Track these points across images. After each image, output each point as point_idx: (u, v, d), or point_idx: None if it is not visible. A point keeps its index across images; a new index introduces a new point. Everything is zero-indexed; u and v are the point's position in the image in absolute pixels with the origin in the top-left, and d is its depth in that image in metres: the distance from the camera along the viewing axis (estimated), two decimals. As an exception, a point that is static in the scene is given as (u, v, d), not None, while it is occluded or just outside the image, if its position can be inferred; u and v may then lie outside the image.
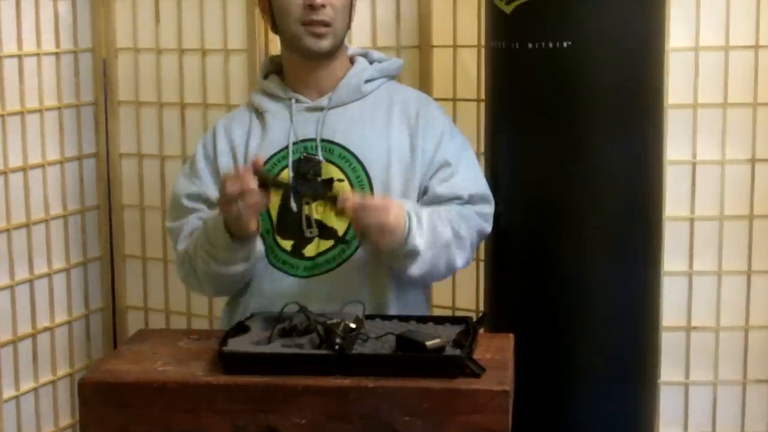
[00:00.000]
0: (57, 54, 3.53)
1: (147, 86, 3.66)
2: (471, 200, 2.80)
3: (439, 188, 2.78)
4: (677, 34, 3.24)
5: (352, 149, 2.77)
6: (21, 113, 3.39)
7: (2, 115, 3.31)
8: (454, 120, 3.40)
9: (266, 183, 2.56)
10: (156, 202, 3.70)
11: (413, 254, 2.65)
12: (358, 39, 3.41)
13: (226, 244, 2.66)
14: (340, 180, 2.75)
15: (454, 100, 3.47)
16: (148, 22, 3.63)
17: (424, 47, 3.50)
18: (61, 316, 3.62)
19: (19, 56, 3.37)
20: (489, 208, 2.85)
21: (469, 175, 2.82)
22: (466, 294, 3.52)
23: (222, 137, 2.87)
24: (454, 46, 3.47)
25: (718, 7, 3.25)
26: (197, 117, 3.59)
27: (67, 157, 3.60)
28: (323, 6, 2.73)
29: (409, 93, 2.94)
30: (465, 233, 2.76)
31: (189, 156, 3.49)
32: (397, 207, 2.61)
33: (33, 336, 3.50)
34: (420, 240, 2.63)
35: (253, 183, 2.54)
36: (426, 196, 2.79)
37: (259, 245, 2.73)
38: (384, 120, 2.82)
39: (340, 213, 2.58)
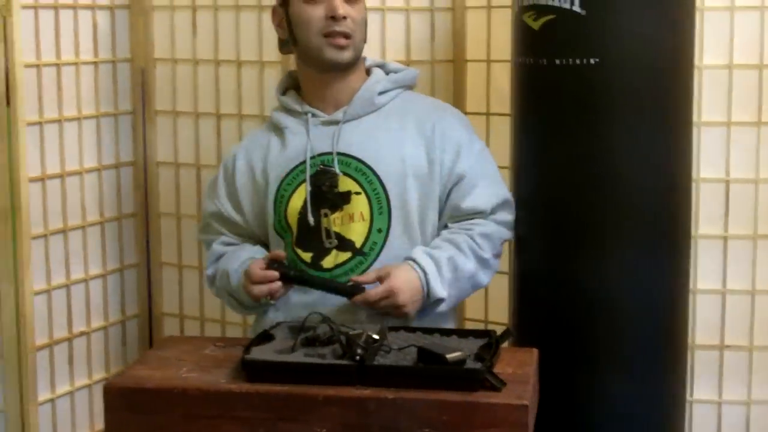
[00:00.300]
0: (95, 63, 3.58)
1: (184, 96, 3.71)
2: (493, 211, 2.84)
3: (461, 204, 2.82)
4: (710, 51, 3.25)
5: (368, 162, 2.80)
6: (59, 121, 3.44)
7: (40, 123, 3.36)
8: (487, 134, 3.44)
9: (287, 278, 2.72)
10: (192, 211, 3.74)
11: (438, 303, 2.76)
12: (391, 53, 3.44)
13: (251, 302, 2.82)
14: (357, 193, 2.79)
15: (488, 114, 3.49)
16: (185, 34, 3.67)
17: (458, 62, 3.52)
18: (97, 321, 3.67)
19: (57, 65, 3.42)
20: (510, 215, 2.88)
21: (489, 184, 2.85)
22: (498, 308, 3.53)
23: (241, 158, 2.94)
24: (488, 61, 3.50)
25: (753, 21, 3.26)
26: (232, 127, 3.63)
27: (105, 165, 3.65)
28: (344, 18, 2.77)
29: (424, 102, 2.97)
30: (488, 254, 2.82)
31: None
32: (403, 281, 2.70)
33: (69, 340, 3.54)
34: (441, 288, 2.74)
35: (277, 285, 2.71)
36: (447, 210, 2.84)
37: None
38: (398, 131, 2.85)
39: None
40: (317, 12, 2.77)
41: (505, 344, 2.59)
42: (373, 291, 2.68)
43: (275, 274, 2.69)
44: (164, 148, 3.77)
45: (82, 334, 3.60)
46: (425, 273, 2.71)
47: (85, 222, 3.58)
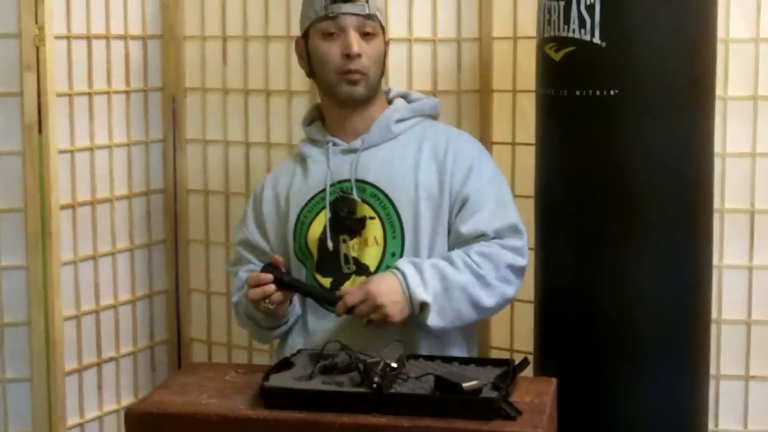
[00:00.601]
0: (127, 92, 3.63)
1: (214, 124, 3.75)
2: (498, 235, 2.82)
3: (462, 228, 2.83)
4: (734, 82, 3.26)
5: (383, 188, 2.85)
6: (90, 149, 3.49)
7: (72, 150, 3.42)
8: (513, 164, 3.46)
9: (280, 282, 2.74)
10: (221, 238, 3.78)
11: (424, 307, 2.73)
12: (418, 83, 3.47)
13: (264, 320, 2.88)
14: (372, 218, 2.84)
15: (513, 144, 3.51)
16: (215, 63, 3.72)
17: (484, 92, 3.55)
18: (126, 347, 3.71)
19: (89, 94, 3.48)
20: (519, 241, 2.84)
21: (494, 209, 2.85)
22: (523, 336, 3.54)
23: (268, 187, 3.02)
24: (514, 91, 3.52)
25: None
26: (261, 155, 3.67)
27: (135, 192, 3.70)
28: (359, 55, 2.82)
29: (441, 129, 3.00)
30: (488, 272, 2.78)
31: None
32: (380, 283, 2.72)
33: (98, 365, 3.58)
34: (423, 292, 2.72)
35: (271, 288, 2.72)
36: (452, 235, 2.86)
37: (296, 309, 2.91)
38: (414, 158, 2.89)
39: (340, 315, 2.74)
40: (333, 49, 2.85)
41: (526, 372, 2.61)
42: (350, 294, 2.71)
43: (269, 276, 2.72)
44: (194, 175, 3.81)
45: (111, 359, 3.64)
46: (404, 276, 2.72)
47: (115, 248, 3.63)
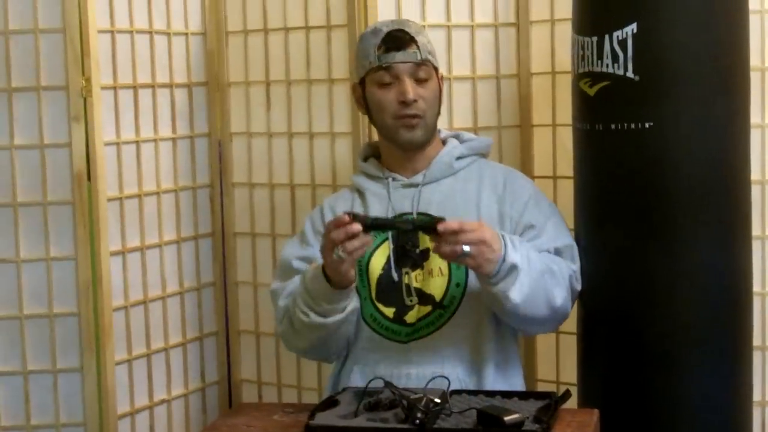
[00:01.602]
0: (173, 139, 3.69)
1: (259, 168, 3.80)
2: (558, 253, 2.92)
3: None
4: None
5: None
6: (138, 196, 3.56)
7: (120, 198, 3.48)
8: (555, 197, 3.48)
9: (366, 226, 2.69)
10: (268, 279, 3.79)
11: (513, 271, 2.74)
12: (458, 120, 3.51)
13: (325, 292, 2.82)
14: None
15: (554, 177, 3.55)
16: (260, 108, 3.77)
17: (524, 127, 3.59)
18: (177, 389, 3.76)
19: (137, 142, 3.55)
20: (575, 264, 2.94)
21: (554, 234, 2.95)
22: (568, 368, 3.56)
23: (328, 212, 3.08)
24: (553, 125, 3.56)
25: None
26: (306, 197, 3.71)
27: (184, 237, 3.76)
28: (415, 100, 2.91)
29: (498, 167, 3.12)
30: (557, 270, 2.86)
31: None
32: (491, 228, 2.75)
33: (150, 408, 3.63)
34: (517, 256, 2.74)
35: (356, 226, 2.67)
36: None
37: (355, 299, 2.90)
38: (474, 193, 2.99)
39: (440, 241, 2.68)
40: (389, 96, 2.95)
41: (570, 404, 2.63)
42: (466, 221, 2.72)
43: (347, 218, 2.69)
44: (241, 218, 3.86)
45: (162, 401, 3.69)
46: (503, 239, 2.75)
47: (165, 293, 3.68)
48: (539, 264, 2.82)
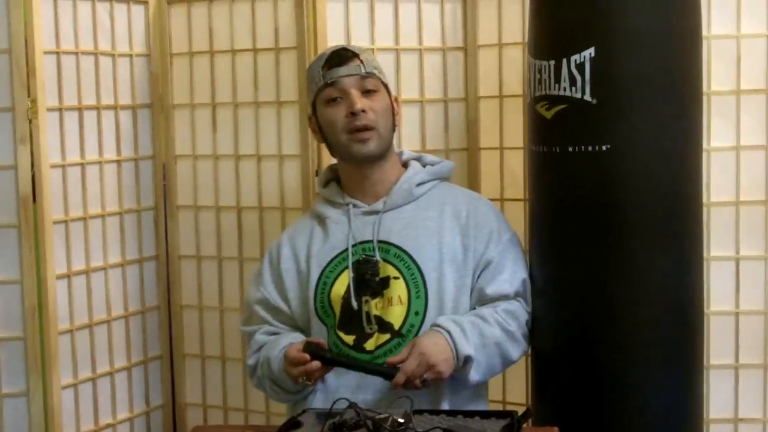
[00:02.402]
0: (118, 161, 3.67)
1: (205, 191, 3.79)
2: (517, 295, 2.96)
3: (488, 289, 2.94)
4: (718, 133, 3.35)
5: (407, 249, 2.94)
6: (83, 219, 3.52)
7: (66, 221, 3.45)
8: (502, 219, 3.52)
9: (325, 360, 2.80)
10: (214, 303, 3.81)
11: (468, 361, 2.83)
12: (408, 143, 3.53)
13: (294, 387, 2.90)
14: (396, 278, 2.92)
15: (502, 200, 3.58)
16: (206, 130, 3.76)
17: (471, 150, 3.62)
18: (123, 414, 3.72)
19: (82, 164, 3.52)
20: (529, 307, 2.99)
21: (514, 269, 2.97)
22: (517, 388, 3.59)
23: (286, 245, 3.07)
24: (501, 149, 3.59)
25: (758, 105, 3.35)
26: (253, 220, 3.70)
27: (128, 260, 3.73)
28: (363, 111, 2.91)
29: (460, 194, 3.11)
30: (514, 328, 2.92)
31: (245, 258, 3.65)
32: (429, 343, 2.79)
33: (95, 432, 3.61)
34: (469, 347, 2.81)
35: (314, 366, 2.78)
36: (474, 293, 2.95)
37: None
38: (436, 221, 2.99)
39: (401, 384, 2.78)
40: (339, 111, 2.95)
41: (526, 424, 2.65)
42: (407, 363, 2.76)
43: (306, 357, 2.77)
44: (186, 242, 3.84)
45: (108, 426, 3.65)
46: (449, 332, 2.80)
47: (110, 317, 3.65)
48: (493, 336, 2.87)
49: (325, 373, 2.84)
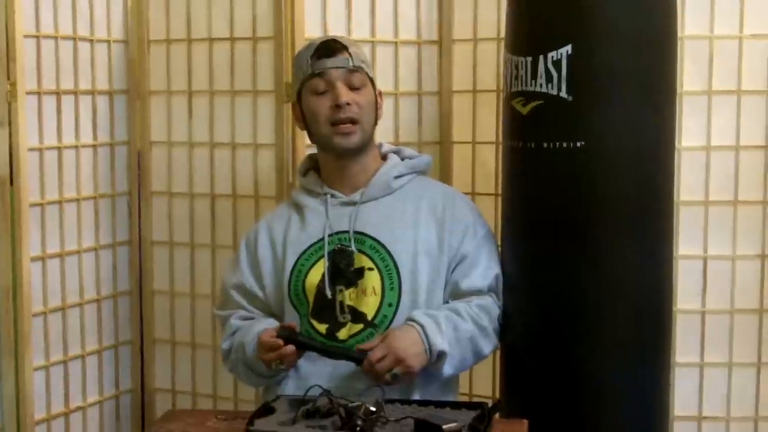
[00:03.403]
0: (94, 146, 3.69)
1: (179, 178, 3.81)
2: (490, 289, 3.00)
3: (462, 284, 2.98)
4: (690, 133, 3.39)
5: (382, 241, 2.97)
6: (59, 202, 3.54)
7: (42, 204, 3.46)
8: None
9: (297, 343, 2.83)
10: (186, 289, 3.83)
11: (442, 356, 2.86)
12: (381, 135, 3.54)
13: (267, 371, 2.93)
14: (370, 269, 2.95)
15: (473, 194, 3.61)
16: (181, 118, 3.78)
17: (444, 143, 3.66)
18: (93, 397, 3.74)
19: (59, 148, 3.53)
20: (500, 302, 3.02)
21: (488, 264, 3.01)
22: (483, 381, 3.63)
23: (263, 232, 3.10)
24: (473, 143, 3.63)
25: (730, 105, 3.39)
26: (227, 207, 3.73)
27: (102, 245, 3.74)
28: (348, 104, 2.94)
29: (437, 188, 3.15)
30: (487, 323, 2.95)
31: (218, 245, 3.67)
32: (401, 336, 2.84)
33: (66, 415, 3.61)
34: (443, 342, 2.85)
35: (289, 350, 2.81)
36: (448, 287, 2.99)
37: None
38: (412, 214, 3.02)
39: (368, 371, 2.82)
40: (324, 102, 2.98)
41: (496, 416, 2.70)
42: (373, 352, 2.81)
43: (280, 342, 2.81)
44: (159, 227, 3.86)
45: (78, 408, 3.67)
46: (423, 326, 2.84)
47: (82, 300, 3.66)
48: (467, 331, 2.91)
49: (298, 358, 2.87)
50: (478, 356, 2.99)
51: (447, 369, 2.89)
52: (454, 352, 2.88)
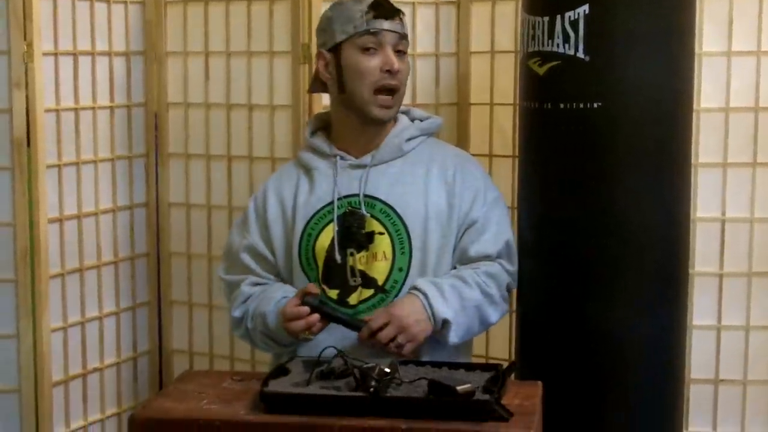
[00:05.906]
0: (111, 108, 3.69)
1: (196, 139, 3.81)
2: (500, 256, 2.96)
3: (471, 249, 2.94)
4: (708, 94, 3.36)
5: (393, 204, 2.92)
6: (76, 164, 3.55)
7: (59, 166, 3.47)
8: (490, 175, 3.53)
9: (322, 315, 2.81)
10: (202, 250, 3.84)
11: (446, 324, 2.84)
12: (398, 97, 3.55)
13: (288, 339, 2.90)
14: (381, 233, 2.91)
15: (490, 156, 3.60)
16: (198, 79, 3.78)
17: (461, 105, 3.64)
18: (110, 358, 3.76)
19: (76, 110, 3.53)
20: (513, 267, 2.99)
21: (497, 231, 2.97)
22: (499, 344, 3.63)
23: (272, 193, 3.04)
24: (491, 104, 3.61)
25: (749, 66, 3.36)
26: (243, 169, 3.73)
27: (119, 207, 3.76)
28: (399, 71, 2.90)
29: (448, 151, 3.09)
30: (494, 291, 2.92)
31: (234, 207, 3.66)
32: (403, 305, 2.82)
33: (83, 376, 3.64)
34: (446, 308, 2.83)
35: (314, 318, 2.79)
36: (457, 252, 2.96)
37: None
38: (423, 177, 2.97)
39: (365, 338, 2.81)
40: (372, 62, 2.89)
41: (511, 377, 2.69)
42: (375, 318, 2.80)
43: (306, 310, 2.79)
44: (176, 189, 3.87)
45: (95, 370, 3.69)
46: (426, 295, 2.82)
47: (100, 262, 3.68)
48: (473, 299, 2.88)
49: (325, 325, 2.83)
50: (485, 324, 2.96)
51: (452, 337, 2.86)
52: (459, 320, 2.85)
